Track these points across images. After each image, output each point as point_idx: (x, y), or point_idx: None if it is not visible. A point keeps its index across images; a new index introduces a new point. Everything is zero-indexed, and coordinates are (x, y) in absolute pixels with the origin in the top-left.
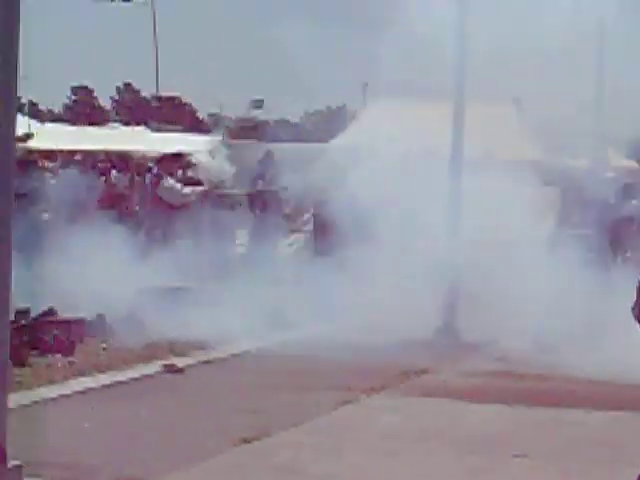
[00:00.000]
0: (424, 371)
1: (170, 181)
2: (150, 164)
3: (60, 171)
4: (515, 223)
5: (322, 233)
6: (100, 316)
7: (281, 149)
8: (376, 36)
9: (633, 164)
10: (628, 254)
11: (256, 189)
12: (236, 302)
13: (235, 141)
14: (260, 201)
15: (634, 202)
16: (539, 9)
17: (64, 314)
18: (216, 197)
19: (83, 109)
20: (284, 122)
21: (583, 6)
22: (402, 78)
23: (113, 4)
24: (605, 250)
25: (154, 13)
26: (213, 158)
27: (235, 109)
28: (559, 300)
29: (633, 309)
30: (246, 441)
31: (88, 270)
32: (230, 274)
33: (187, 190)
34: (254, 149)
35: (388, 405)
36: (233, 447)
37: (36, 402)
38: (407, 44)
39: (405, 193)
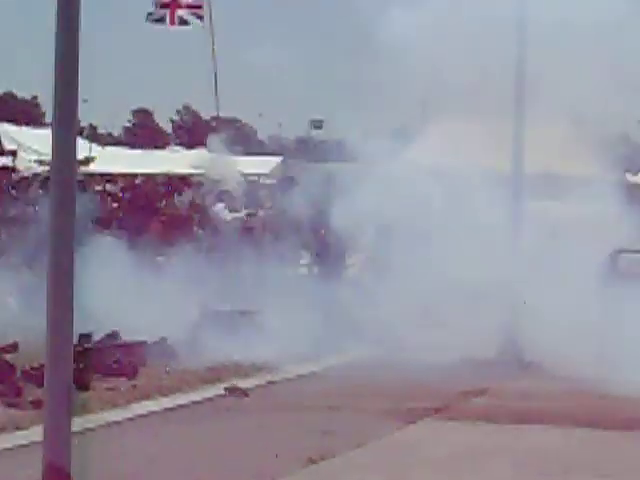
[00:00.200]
0: (483, 392)
1: (219, 206)
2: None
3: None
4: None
5: (383, 253)
6: (162, 339)
7: (341, 169)
8: (435, 54)
9: None
10: None
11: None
12: (299, 324)
13: (296, 162)
14: (320, 223)
15: None
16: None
17: (127, 337)
18: (277, 220)
19: (143, 132)
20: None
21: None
22: (461, 96)
23: (172, 27)
24: None
25: (213, 35)
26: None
27: (295, 130)
28: (620, 320)
29: None
30: (313, 462)
31: (149, 293)
32: (294, 295)
33: (229, 216)
34: (315, 170)
35: (450, 426)
36: (301, 468)
37: (100, 426)
38: (465, 61)
39: (467, 211)
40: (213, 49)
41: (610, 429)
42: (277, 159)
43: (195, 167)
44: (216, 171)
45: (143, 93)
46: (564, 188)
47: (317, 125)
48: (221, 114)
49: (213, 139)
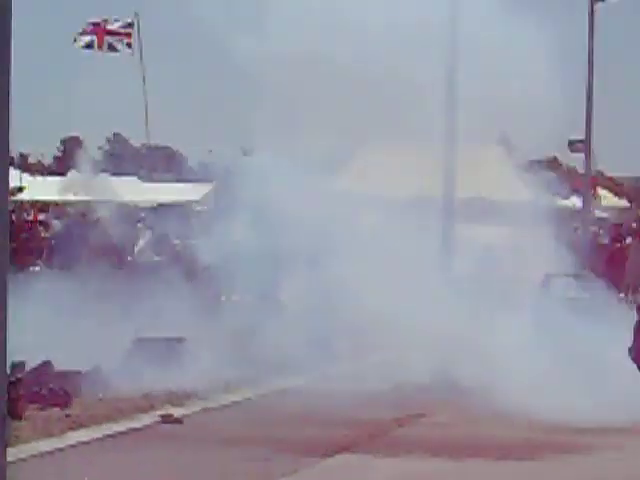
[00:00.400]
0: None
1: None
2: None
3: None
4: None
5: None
6: (96, 368)
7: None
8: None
9: (624, 203)
10: (622, 294)
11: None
12: (229, 350)
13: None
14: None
15: (627, 241)
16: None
17: (60, 367)
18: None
19: (73, 160)
20: None
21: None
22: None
23: (100, 54)
24: (601, 291)
25: (142, 62)
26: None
27: (226, 156)
28: (555, 345)
29: (630, 350)
30: None
31: (81, 321)
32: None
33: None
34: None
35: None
36: None
37: (34, 456)
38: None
39: (397, 237)
40: (143, 76)
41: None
42: (208, 186)
43: (125, 194)
44: (147, 198)
45: (73, 121)
46: (495, 212)
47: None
48: (151, 142)
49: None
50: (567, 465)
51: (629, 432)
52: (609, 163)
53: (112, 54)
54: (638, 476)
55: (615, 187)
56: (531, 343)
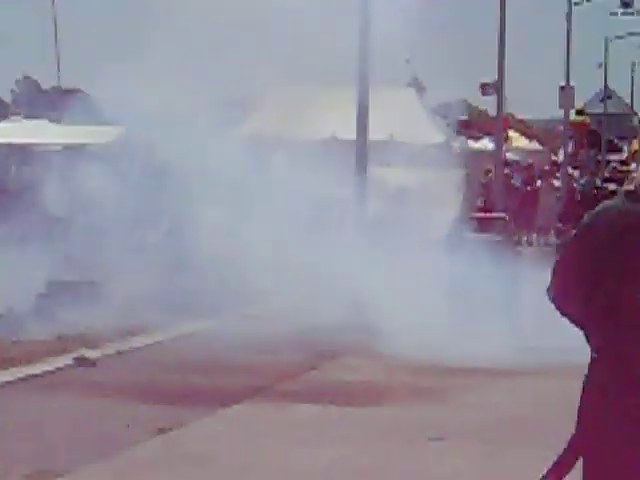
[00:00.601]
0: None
1: None
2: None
3: None
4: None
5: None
6: (9, 310)
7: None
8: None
9: (534, 145)
10: (534, 235)
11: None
12: (144, 293)
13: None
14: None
15: (538, 183)
16: None
17: None
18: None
19: None
20: None
21: None
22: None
23: None
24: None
25: (54, 4)
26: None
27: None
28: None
29: (548, 289)
30: (162, 431)
31: None
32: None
33: None
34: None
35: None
36: (149, 438)
37: None
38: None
39: (309, 179)
40: (55, 18)
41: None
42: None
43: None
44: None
45: None
46: (407, 155)
47: None
48: (63, 85)
49: None
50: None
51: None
52: (519, 106)
53: None
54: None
55: (525, 129)
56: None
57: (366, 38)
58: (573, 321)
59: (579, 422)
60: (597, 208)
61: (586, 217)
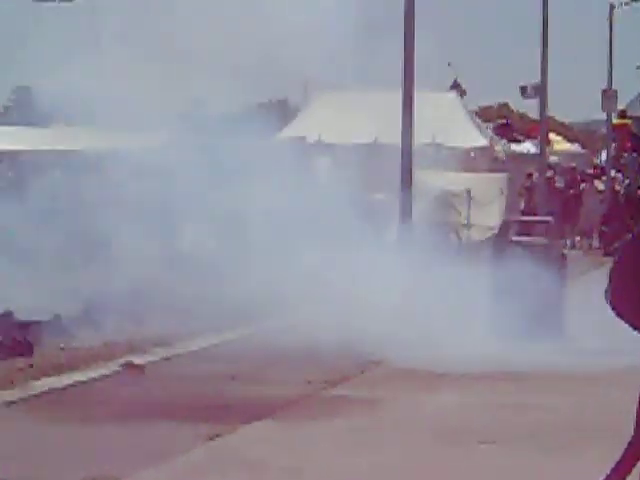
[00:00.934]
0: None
1: None
2: None
3: None
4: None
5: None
6: (56, 317)
7: None
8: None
9: (576, 147)
10: (577, 238)
11: None
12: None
13: None
14: None
15: (581, 186)
16: None
17: (20, 317)
18: None
19: None
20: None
21: None
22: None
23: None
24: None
25: None
26: None
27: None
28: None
29: (606, 292)
30: (213, 437)
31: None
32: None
33: None
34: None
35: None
36: (201, 444)
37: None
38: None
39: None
40: None
41: None
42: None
43: None
44: None
45: None
46: (450, 159)
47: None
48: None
49: None
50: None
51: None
52: (559, 108)
53: None
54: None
55: (567, 132)
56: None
57: (411, 41)
58: (631, 324)
59: (638, 425)
60: None
61: None
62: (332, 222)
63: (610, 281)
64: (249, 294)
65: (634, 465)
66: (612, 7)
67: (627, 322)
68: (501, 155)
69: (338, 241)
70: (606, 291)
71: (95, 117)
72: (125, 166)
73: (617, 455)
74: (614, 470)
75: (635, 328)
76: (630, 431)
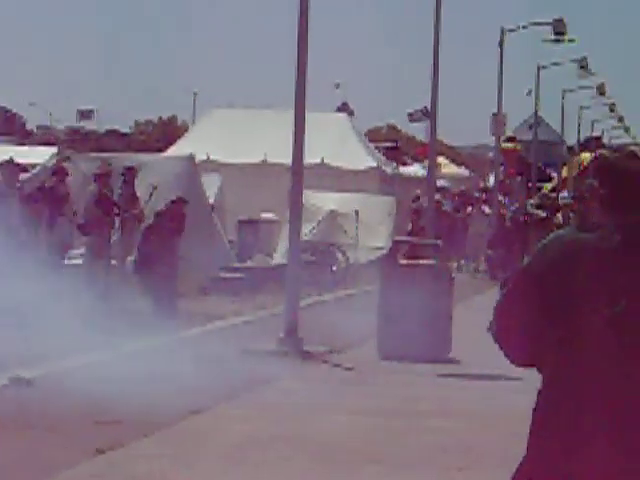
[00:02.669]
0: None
1: None
2: None
3: None
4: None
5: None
6: None
7: (116, 159)
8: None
9: (463, 171)
10: (463, 261)
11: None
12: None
13: (70, 152)
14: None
15: (468, 210)
16: None
17: None
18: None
19: None
20: (114, 132)
21: None
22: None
23: None
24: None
25: None
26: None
27: (64, 120)
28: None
29: (489, 329)
30: (100, 452)
31: None
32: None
33: None
34: (90, 160)
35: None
36: (88, 458)
37: None
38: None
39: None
40: None
41: None
42: (51, 149)
43: None
44: None
45: None
46: (338, 179)
47: (87, 115)
48: None
49: None
50: None
51: None
52: (447, 132)
53: None
54: None
55: (455, 156)
56: None
57: (304, 61)
58: (513, 361)
59: (528, 448)
60: (546, 240)
61: (536, 250)
62: None
63: (495, 316)
64: None
65: None
66: (503, 32)
67: (512, 358)
68: (389, 177)
69: None
70: (491, 324)
71: None
72: None
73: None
74: None
75: (522, 363)
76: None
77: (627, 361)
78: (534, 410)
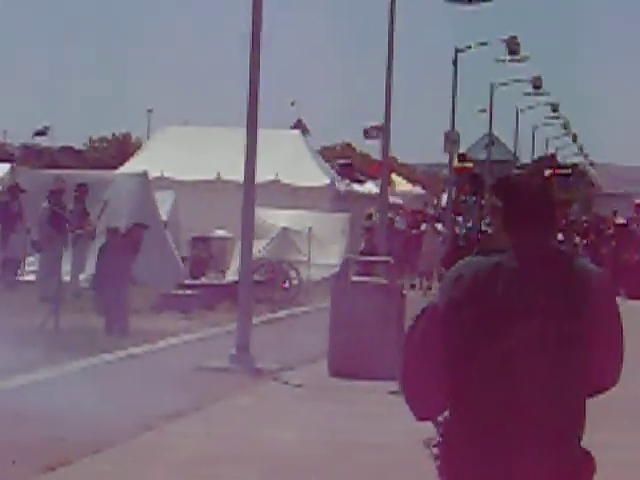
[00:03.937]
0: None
1: None
2: None
3: None
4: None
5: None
6: None
7: (69, 176)
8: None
9: (417, 189)
10: (417, 279)
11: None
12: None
13: (23, 168)
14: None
15: (422, 227)
16: None
17: None
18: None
19: None
20: (69, 149)
21: None
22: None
23: None
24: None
25: None
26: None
27: (19, 136)
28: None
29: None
30: (50, 469)
31: None
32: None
33: None
34: (44, 176)
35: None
36: (37, 476)
37: None
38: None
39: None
40: None
41: None
42: (6, 166)
43: None
44: None
45: None
46: (292, 196)
47: (42, 132)
48: None
49: None
50: None
51: None
52: (401, 150)
53: None
54: None
55: (409, 173)
56: None
57: (256, 79)
58: (415, 413)
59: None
60: (456, 269)
61: (447, 282)
62: None
63: (405, 358)
64: None
65: None
66: (457, 51)
67: (415, 408)
68: (343, 194)
69: None
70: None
71: None
72: None
73: None
74: None
75: (419, 418)
76: None
77: (548, 379)
78: (445, 444)
